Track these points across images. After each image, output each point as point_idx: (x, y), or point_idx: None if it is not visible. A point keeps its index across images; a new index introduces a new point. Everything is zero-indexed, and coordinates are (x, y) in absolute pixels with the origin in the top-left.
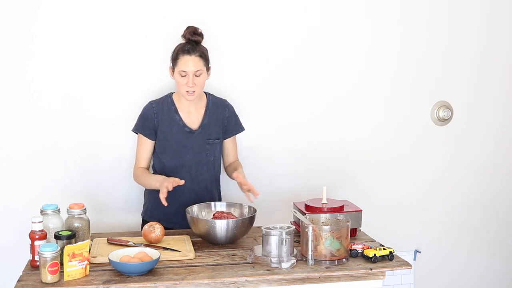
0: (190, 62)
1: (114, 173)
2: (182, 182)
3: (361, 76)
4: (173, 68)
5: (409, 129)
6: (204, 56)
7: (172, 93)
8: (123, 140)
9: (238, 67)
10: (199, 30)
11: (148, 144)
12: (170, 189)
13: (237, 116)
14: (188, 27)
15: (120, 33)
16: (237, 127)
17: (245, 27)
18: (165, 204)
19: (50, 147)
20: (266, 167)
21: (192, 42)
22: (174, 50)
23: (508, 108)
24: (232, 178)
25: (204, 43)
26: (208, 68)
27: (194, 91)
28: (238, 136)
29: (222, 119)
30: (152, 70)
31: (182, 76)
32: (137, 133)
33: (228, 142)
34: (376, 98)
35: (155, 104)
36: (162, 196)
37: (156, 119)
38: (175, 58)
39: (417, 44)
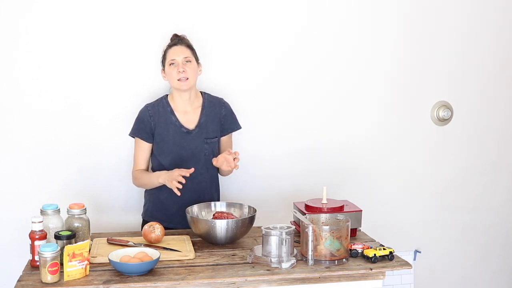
0: (177, 51)
1: (114, 173)
2: (191, 170)
3: (361, 77)
4: (163, 68)
5: (409, 129)
6: (191, 47)
7: (167, 95)
8: (123, 140)
9: (236, 68)
10: (186, 37)
11: (146, 148)
12: (183, 181)
13: (234, 114)
14: (174, 33)
15: (117, 36)
16: (233, 125)
17: (239, 27)
18: (179, 194)
19: (50, 147)
20: (266, 167)
21: (177, 39)
22: (163, 52)
23: (508, 108)
24: (222, 173)
25: (199, 46)
26: (198, 62)
27: (186, 78)
28: (238, 136)
29: (219, 117)
30: (149, 71)
31: (172, 65)
32: (134, 137)
33: (223, 140)
34: (376, 98)
35: (151, 107)
36: (178, 193)
37: (153, 122)
38: (163, 56)
39: (417, 44)
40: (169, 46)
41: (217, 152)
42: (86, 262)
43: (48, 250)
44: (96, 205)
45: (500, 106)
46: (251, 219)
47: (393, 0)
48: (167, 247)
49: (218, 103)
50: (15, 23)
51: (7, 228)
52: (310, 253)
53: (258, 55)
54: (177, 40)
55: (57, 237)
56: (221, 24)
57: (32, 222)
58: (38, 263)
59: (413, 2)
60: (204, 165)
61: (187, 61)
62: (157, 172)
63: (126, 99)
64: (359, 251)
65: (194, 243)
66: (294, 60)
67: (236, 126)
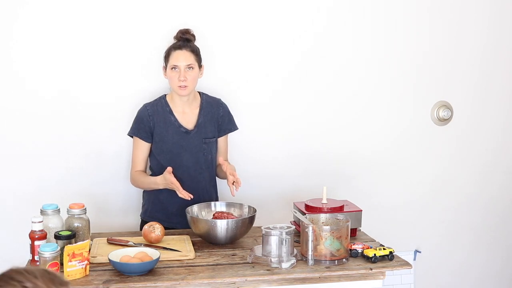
0: (181, 56)
1: (114, 173)
2: (169, 170)
3: (361, 76)
4: (165, 67)
5: (409, 129)
6: (195, 52)
7: (166, 94)
8: (122, 140)
9: (237, 68)
10: (191, 31)
11: (144, 147)
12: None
13: (231, 115)
14: (180, 29)
15: (117, 36)
16: (230, 126)
17: (240, 27)
18: (189, 198)
19: (50, 147)
20: (266, 167)
21: (183, 40)
22: (166, 49)
23: (508, 108)
24: (219, 176)
25: (200, 46)
26: (200, 66)
27: (186, 86)
28: (239, 136)
29: (217, 117)
30: (149, 71)
31: (173, 70)
32: (132, 137)
33: (220, 141)
34: (376, 98)
35: (150, 107)
36: (186, 195)
37: (152, 121)
38: (167, 56)
39: (417, 45)
40: (174, 48)
41: (215, 152)
42: (86, 262)
43: (48, 250)
44: (96, 205)
45: (500, 106)
46: (251, 219)
47: (394, 2)
48: (167, 247)
49: (216, 104)
50: (13, 22)
51: (7, 228)
52: (310, 253)
53: (259, 56)
54: (182, 42)
55: (57, 237)
56: (221, 24)
57: (32, 222)
58: (38, 263)
59: (413, 2)
60: (203, 165)
61: (189, 68)
62: (153, 179)
63: (126, 99)
64: (359, 251)
65: (194, 243)
66: (293, 61)
67: (233, 127)
